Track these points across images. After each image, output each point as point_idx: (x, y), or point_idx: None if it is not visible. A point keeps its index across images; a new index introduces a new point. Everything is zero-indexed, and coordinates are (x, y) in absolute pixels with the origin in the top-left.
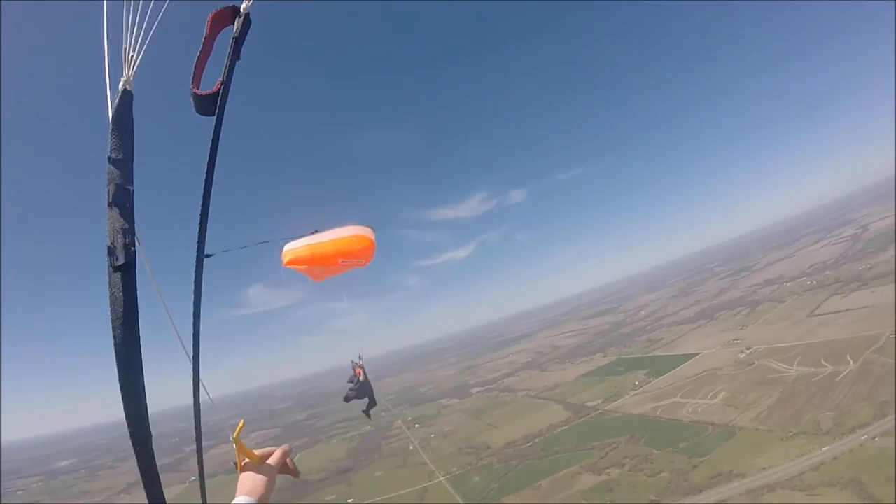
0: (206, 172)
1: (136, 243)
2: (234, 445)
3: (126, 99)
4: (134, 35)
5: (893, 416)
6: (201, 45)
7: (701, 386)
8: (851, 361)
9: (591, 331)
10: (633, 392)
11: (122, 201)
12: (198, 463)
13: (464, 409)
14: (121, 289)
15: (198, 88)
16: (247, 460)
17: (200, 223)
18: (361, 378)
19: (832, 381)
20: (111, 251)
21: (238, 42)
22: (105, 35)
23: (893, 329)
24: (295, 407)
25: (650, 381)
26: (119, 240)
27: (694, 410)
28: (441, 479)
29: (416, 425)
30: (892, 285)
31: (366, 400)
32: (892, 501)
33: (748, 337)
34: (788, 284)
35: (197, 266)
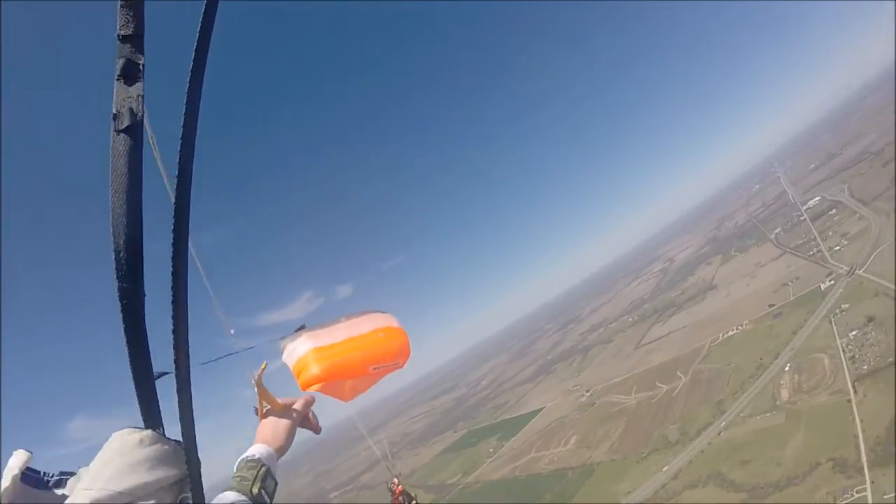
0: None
1: (143, 111)
2: (256, 389)
3: None
4: None
5: (731, 410)
6: None
7: (552, 436)
8: (682, 376)
9: (437, 410)
10: (490, 459)
11: (132, 73)
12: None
13: None
14: (124, 151)
15: None
16: (268, 407)
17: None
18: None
19: (670, 397)
20: (116, 116)
21: None
22: None
23: (713, 338)
24: None
25: (503, 445)
26: (125, 106)
27: (551, 461)
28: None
29: None
30: (705, 301)
31: None
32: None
33: (586, 381)
34: (613, 325)
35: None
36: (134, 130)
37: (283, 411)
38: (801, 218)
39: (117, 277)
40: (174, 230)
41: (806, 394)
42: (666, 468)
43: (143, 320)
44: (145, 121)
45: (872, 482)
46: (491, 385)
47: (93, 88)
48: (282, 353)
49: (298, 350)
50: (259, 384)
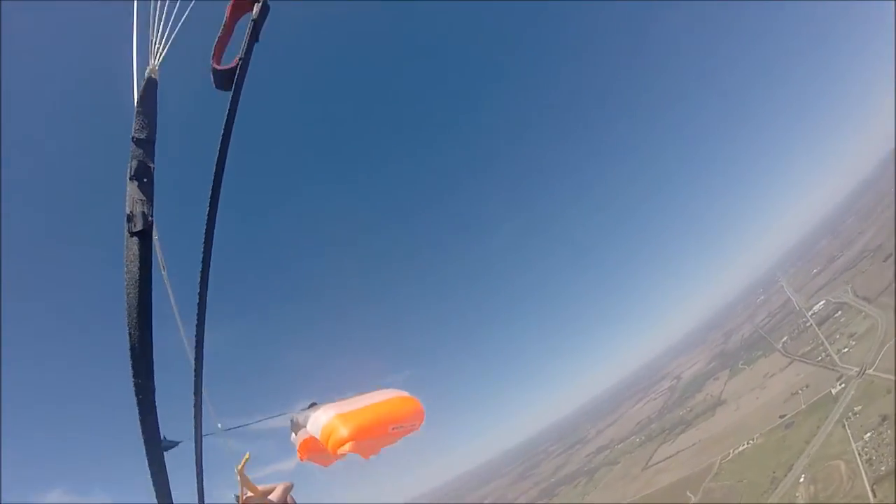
0: (220, 150)
1: (153, 215)
2: (238, 477)
3: (151, 86)
4: (161, 29)
5: None
6: (222, 27)
7: None
8: (692, 496)
9: None
10: None
11: (143, 176)
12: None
13: None
14: (137, 253)
15: (218, 64)
16: (249, 494)
17: (207, 229)
18: None
19: None
20: (129, 218)
21: (257, 24)
22: (135, 28)
23: (724, 455)
24: None
25: None
26: (138, 208)
27: None
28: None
29: None
30: (715, 417)
31: None
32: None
33: None
34: (619, 446)
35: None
36: (146, 235)
37: (263, 498)
38: (808, 324)
39: (133, 374)
40: (197, 322)
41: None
42: None
43: (156, 412)
44: (155, 234)
45: None
46: None
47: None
48: (292, 427)
49: (322, 419)
50: (241, 473)
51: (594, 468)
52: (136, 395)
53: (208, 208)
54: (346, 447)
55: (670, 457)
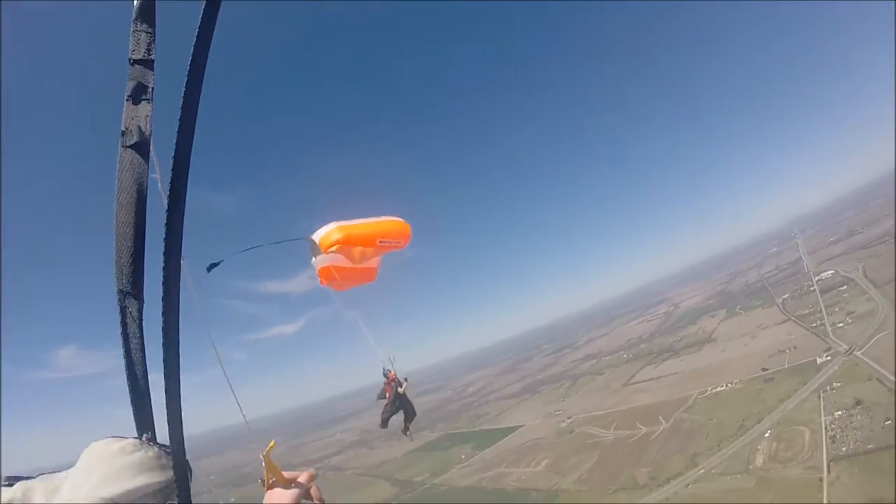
0: (192, 62)
1: (150, 130)
2: (263, 462)
3: (148, 2)
4: None
5: (704, 465)
6: None
7: (524, 455)
8: (664, 421)
9: (419, 408)
10: (460, 465)
11: (141, 96)
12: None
13: None
14: (131, 167)
15: None
16: (274, 479)
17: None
18: (401, 389)
19: (647, 440)
20: (124, 133)
21: None
22: None
23: (701, 390)
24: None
25: (476, 454)
26: (134, 124)
27: (518, 479)
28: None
29: None
30: (701, 353)
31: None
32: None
33: (569, 407)
34: (607, 358)
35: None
36: (141, 147)
37: (288, 484)
38: (812, 288)
39: (118, 286)
40: (166, 236)
41: (780, 463)
42: None
43: (142, 327)
44: (151, 141)
45: None
46: (477, 393)
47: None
48: (311, 250)
49: (325, 228)
50: (267, 459)
51: (578, 374)
52: (120, 306)
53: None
54: (335, 249)
55: (652, 379)
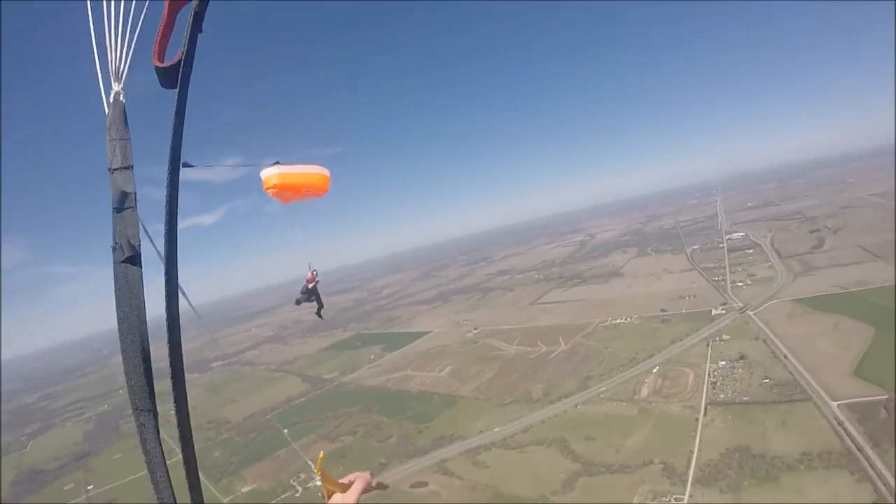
0: (172, 144)
1: (139, 239)
2: (320, 479)
3: (118, 109)
4: (120, 48)
5: (594, 389)
6: (161, 22)
7: (430, 360)
8: (563, 343)
9: (334, 307)
10: (369, 365)
11: (126, 205)
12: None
13: (204, 383)
14: (125, 280)
15: (160, 62)
16: (332, 489)
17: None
18: (311, 286)
19: (545, 358)
20: (115, 248)
21: (198, 14)
22: (95, 52)
23: (602, 320)
24: (24, 388)
25: (385, 356)
26: (124, 238)
27: (422, 382)
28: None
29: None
30: (608, 284)
31: (315, 303)
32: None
33: (477, 319)
34: (519, 276)
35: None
36: (134, 260)
37: (345, 489)
38: (721, 245)
39: (133, 405)
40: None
41: (663, 398)
42: (520, 420)
43: (160, 441)
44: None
45: (691, 496)
46: (391, 296)
47: None
48: (261, 172)
49: (269, 170)
50: (322, 473)
51: (490, 288)
52: (136, 417)
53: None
54: (273, 192)
55: (558, 302)
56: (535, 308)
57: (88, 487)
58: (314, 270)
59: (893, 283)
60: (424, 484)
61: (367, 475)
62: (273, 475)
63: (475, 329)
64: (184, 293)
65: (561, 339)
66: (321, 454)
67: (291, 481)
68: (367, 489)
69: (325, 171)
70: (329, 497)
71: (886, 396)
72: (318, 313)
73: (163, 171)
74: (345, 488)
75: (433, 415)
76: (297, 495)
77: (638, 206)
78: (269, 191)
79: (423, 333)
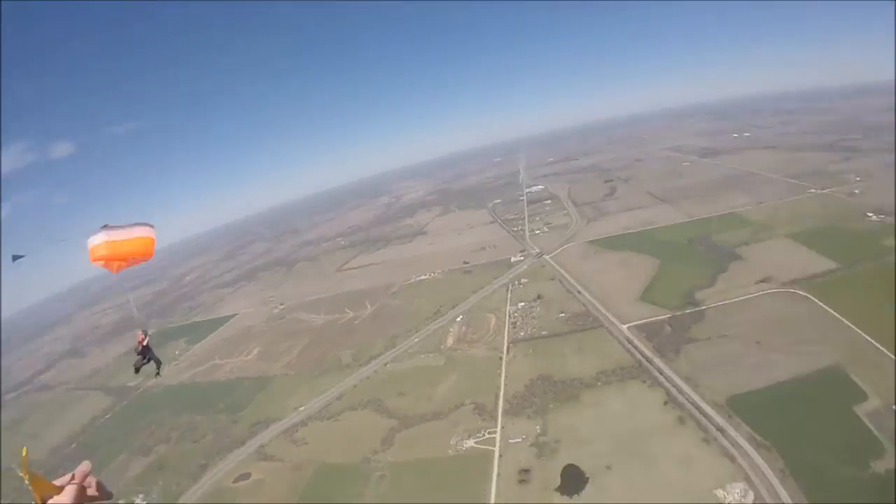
0: None
1: None
2: (26, 480)
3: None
4: None
5: (401, 346)
6: None
7: (237, 345)
8: (369, 306)
9: (135, 302)
10: (175, 362)
11: None
12: None
13: None
14: None
15: None
16: (45, 494)
17: None
18: (141, 346)
19: (352, 324)
20: None
21: None
22: None
23: (407, 278)
24: None
25: (189, 349)
26: None
27: (231, 370)
28: None
29: None
30: (412, 244)
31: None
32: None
33: (283, 294)
34: (324, 245)
35: None
36: None
37: (59, 491)
38: (521, 197)
39: None
40: None
41: (467, 344)
42: (333, 389)
43: None
44: None
45: (503, 427)
46: (193, 283)
47: None
48: (88, 240)
49: (95, 240)
50: (28, 472)
51: (295, 260)
52: None
53: None
54: (100, 264)
55: (364, 266)
56: (340, 275)
57: None
58: (145, 330)
59: (677, 222)
60: (247, 476)
61: (84, 467)
62: None
63: (281, 304)
64: None
65: (367, 302)
66: (24, 451)
67: None
68: (83, 495)
69: (152, 234)
70: (42, 501)
71: (670, 315)
72: (158, 372)
73: None
74: (58, 490)
75: (246, 401)
76: None
77: (444, 165)
78: (96, 262)
79: (229, 318)
